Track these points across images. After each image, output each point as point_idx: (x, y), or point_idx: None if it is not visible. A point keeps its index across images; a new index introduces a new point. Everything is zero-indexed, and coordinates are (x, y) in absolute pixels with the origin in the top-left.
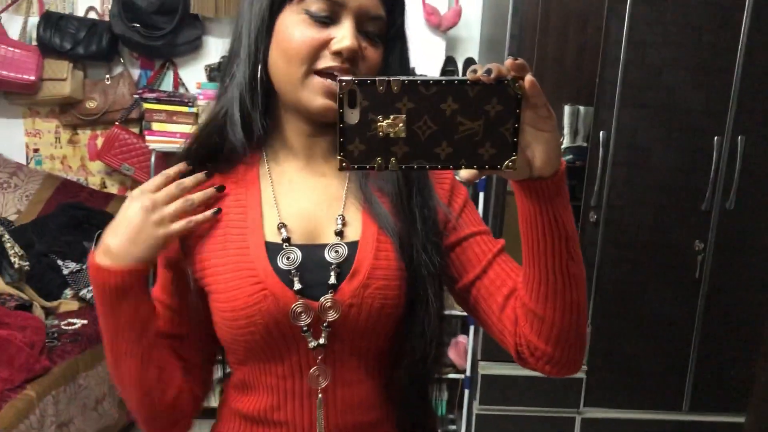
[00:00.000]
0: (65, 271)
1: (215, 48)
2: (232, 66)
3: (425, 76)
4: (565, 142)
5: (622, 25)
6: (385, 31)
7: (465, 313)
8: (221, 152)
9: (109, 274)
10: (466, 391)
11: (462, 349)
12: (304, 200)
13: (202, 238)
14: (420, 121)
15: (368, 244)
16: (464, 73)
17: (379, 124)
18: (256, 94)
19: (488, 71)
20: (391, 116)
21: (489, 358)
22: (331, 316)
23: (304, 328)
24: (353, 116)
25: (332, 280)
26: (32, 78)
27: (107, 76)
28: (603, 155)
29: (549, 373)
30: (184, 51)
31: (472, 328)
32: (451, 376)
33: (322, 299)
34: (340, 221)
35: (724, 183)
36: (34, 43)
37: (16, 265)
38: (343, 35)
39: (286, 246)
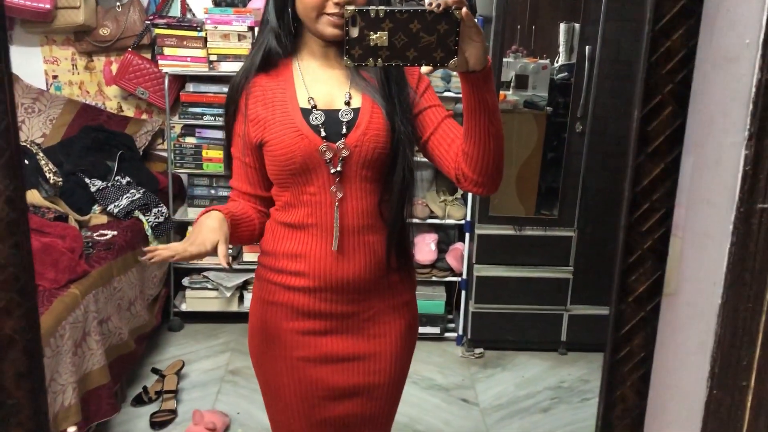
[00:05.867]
0: (93, 189)
1: None
2: (264, 21)
3: (400, 6)
4: (561, 60)
5: None
6: None
7: (462, 222)
8: (265, 60)
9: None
10: (463, 292)
11: (459, 254)
12: (322, 83)
13: (258, 110)
14: (396, 36)
15: (366, 110)
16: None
17: (371, 37)
18: (284, 25)
19: (438, 5)
20: (379, 32)
21: (483, 262)
22: (344, 153)
23: (327, 160)
24: (354, 32)
25: (344, 131)
26: (47, 6)
27: (118, 3)
28: (588, 69)
29: (476, 192)
30: None
31: (467, 235)
32: (449, 279)
33: (338, 142)
34: (347, 96)
35: None
36: None
37: (52, 181)
38: None
39: (314, 110)
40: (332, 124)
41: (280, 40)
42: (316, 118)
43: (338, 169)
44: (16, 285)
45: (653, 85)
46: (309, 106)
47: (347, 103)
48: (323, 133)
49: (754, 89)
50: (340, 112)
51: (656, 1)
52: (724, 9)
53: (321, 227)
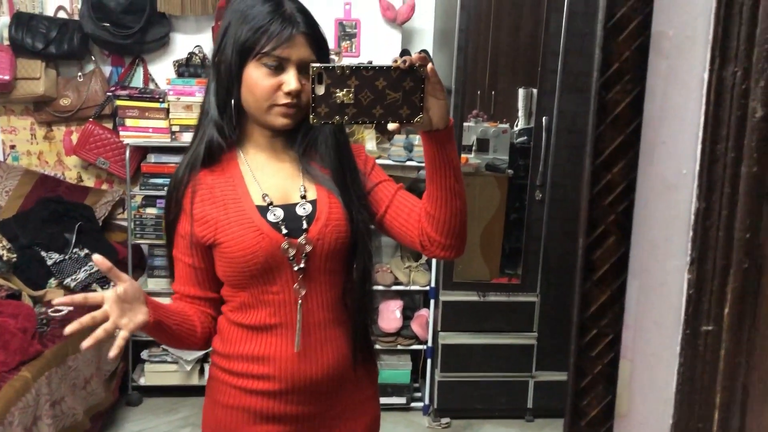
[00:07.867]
0: (49, 262)
1: (183, 44)
2: (204, 113)
3: (366, 63)
4: (520, 124)
5: (560, 18)
6: None
7: (426, 288)
8: (208, 154)
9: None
10: (429, 360)
11: (424, 321)
12: (274, 177)
13: (206, 209)
14: (362, 93)
15: (324, 201)
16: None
17: (337, 94)
18: (227, 116)
19: (404, 61)
20: (345, 89)
21: (448, 329)
22: (307, 248)
23: (291, 258)
24: (320, 89)
25: (305, 226)
26: (7, 78)
27: (79, 73)
28: (546, 139)
29: (443, 256)
30: (153, 48)
31: (432, 302)
32: (414, 347)
33: (300, 239)
34: (302, 189)
35: None
36: (6, 42)
37: (5, 258)
38: (289, 81)
39: (271, 207)
40: (292, 220)
41: (223, 133)
42: (274, 215)
43: (302, 265)
44: None
45: (596, 217)
46: (265, 203)
47: (303, 197)
48: (284, 230)
49: (693, 217)
50: (297, 207)
51: (596, 135)
52: (660, 141)
53: (285, 327)
